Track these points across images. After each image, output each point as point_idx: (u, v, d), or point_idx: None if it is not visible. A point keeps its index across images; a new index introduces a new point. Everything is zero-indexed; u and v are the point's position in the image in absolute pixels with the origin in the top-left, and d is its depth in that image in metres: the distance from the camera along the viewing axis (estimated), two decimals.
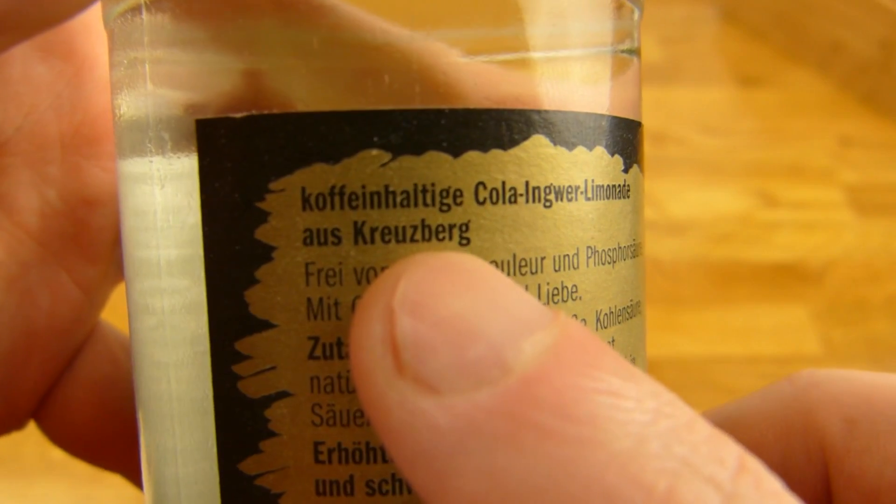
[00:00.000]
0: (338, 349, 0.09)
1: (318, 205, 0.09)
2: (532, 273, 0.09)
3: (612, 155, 0.10)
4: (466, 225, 0.09)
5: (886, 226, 0.69)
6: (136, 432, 0.12)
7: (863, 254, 0.67)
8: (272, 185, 0.09)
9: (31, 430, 0.17)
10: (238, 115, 0.09)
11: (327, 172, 0.09)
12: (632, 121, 0.11)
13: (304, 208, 0.09)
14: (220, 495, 0.10)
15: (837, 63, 0.77)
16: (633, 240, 0.11)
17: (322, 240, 0.09)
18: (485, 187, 0.09)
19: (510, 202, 0.09)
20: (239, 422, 0.10)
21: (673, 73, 0.79)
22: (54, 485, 0.52)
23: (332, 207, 0.09)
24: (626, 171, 0.10)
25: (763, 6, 0.82)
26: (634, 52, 0.12)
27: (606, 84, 0.11)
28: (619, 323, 0.10)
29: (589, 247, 0.10)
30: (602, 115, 0.10)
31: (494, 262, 0.09)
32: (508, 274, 0.09)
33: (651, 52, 0.82)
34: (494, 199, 0.09)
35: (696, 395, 0.59)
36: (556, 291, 0.09)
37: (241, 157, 0.09)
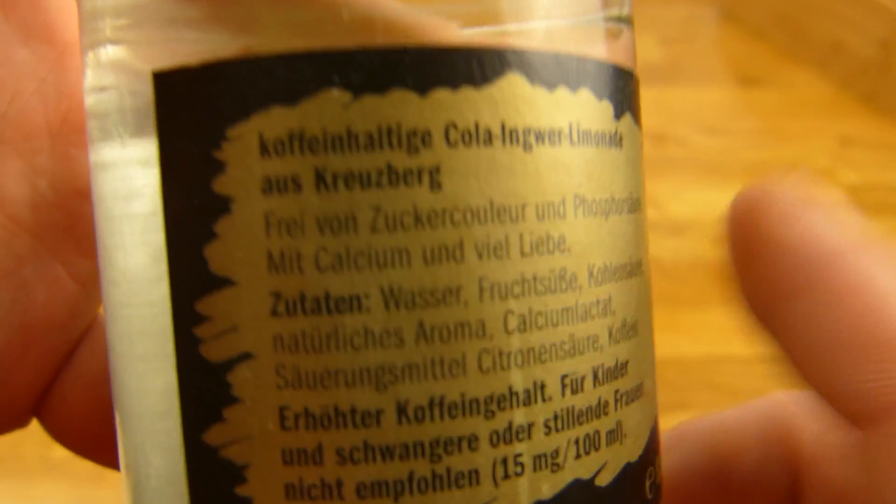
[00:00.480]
0: (301, 305, 0.08)
1: (276, 151, 0.09)
2: (512, 221, 0.09)
3: (600, 99, 0.09)
4: (437, 168, 0.08)
5: (886, 226, 0.69)
6: None
7: None
8: (228, 133, 0.09)
9: (32, 430, 0.17)
10: (194, 63, 0.09)
11: (285, 116, 0.08)
12: (622, 68, 0.10)
13: (262, 155, 0.09)
14: (186, 471, 0.09)
15: (837, 63, 0.77)
16: (630, 193, 0.10)
17: (282, 188, 0.09)
18: (456, 128, 0.08)
19: (485, 144, 0.09)
20: (201, 389, 0.09)
21: (673, 73, 0.79)
22: (54, 485, 0.52)
23: (292, 153, 0.08)
24: (617, 118, 0.10)
25: (763, 6, 0.82)
26: (624, 19, 0.11)
27: (594, 44, 0.10)
28: (616, 281, 0.10)
29: (576, 195, 0.09)
30: (586, 58, 0.09)
31: (469, 209, 0.09)
32: (485, 222, 0.09)
33: (651, 52, 0.81)
34: (467, 140, 0.09)
35: (696, 395, 0.58)
36: (540, 241, 0.09)
37: (198, 106, 0.09)
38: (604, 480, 0.09)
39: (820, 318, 0.11)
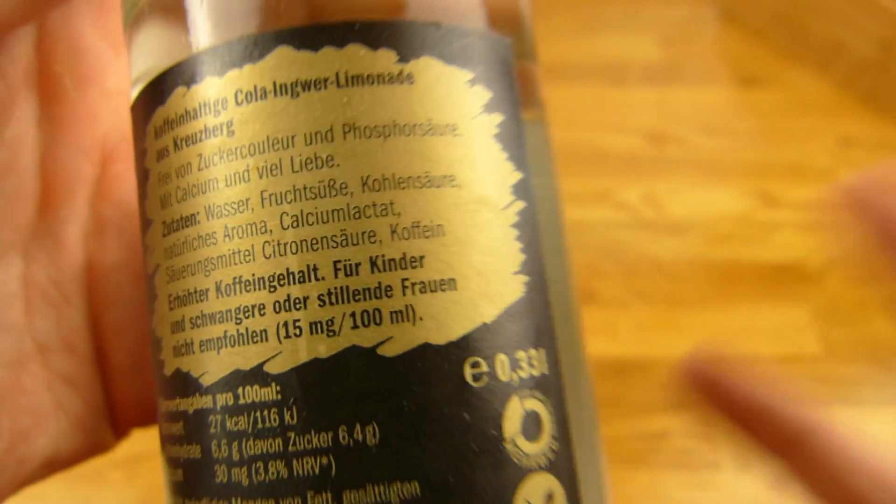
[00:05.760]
0: (171, 226, 0.13)
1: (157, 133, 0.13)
2: (284, 148, 0.11)
3: (376, 49, 0.12)
4: (231, 122, 0.12)
5: None
6: None
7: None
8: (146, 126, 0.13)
9: None
10: None
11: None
12: (416, 22, 0.12)
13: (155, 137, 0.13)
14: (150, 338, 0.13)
15: (837, 63, 0.77)
16: (429, 119, 0.12)
17: (161, 155, 0.13)
18: (242, 91, 0.12)
19: (261, 99, 0.11)
20: (147, 291, 0.14)
21: (673, 73, 0.79)
22: (54, 485, 0.51)
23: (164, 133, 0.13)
24: (405, 61, 0.12)
25: (763, 6, 0.82)
26: None
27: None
28: (403, 189, 0.11)
29: (346, 123, 0.11)
30: (352, 23, 0.12)
31: (253, 144, 0.11)
32: (263, 152, 0.11)
33: (651, 52, 0.81)
34: (251, 100, 0.12)
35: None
36: (308, 161, 0.11)
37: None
38: (389, 352, 0.11)
39: None
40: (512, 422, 0.11)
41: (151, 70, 0.13)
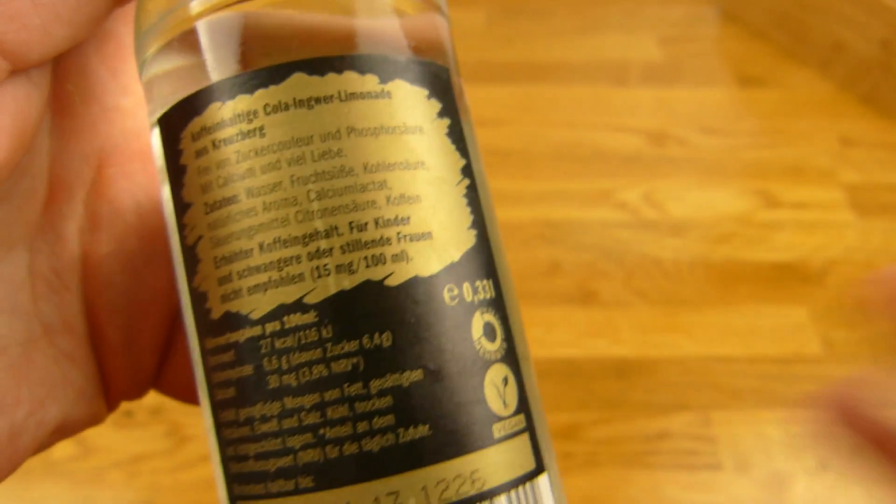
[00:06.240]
0: (214, 205, 0.16)
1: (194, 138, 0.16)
2: (306, 145, 0.15)
3: (364, 74, 0.15)
4: (262, 127, 0.15)
5: (886, 226, 0.69)
6: None
7: (863, 254, 0.67)
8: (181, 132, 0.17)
9: None
10: None
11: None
12: (387, 56, 0.16)
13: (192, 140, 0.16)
14: (190, 298, 0.16)
15: (838, 63, 0.77)
16: (404, 123, 0.16)
17: (200, 152, 0.16)
18: (269, 105, 0.15)
19: (285, 110, 0.15)
20: (187, 258, 0.16)
21: (673, 73, 0.79)
22: (54, 485, 0.52)
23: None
24: (384, 82, 0.16)
25: (763, 6, 0.82)
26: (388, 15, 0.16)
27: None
28: (392, 171, 0.15)
29: (348, 127, 0.15)
30: (345, 56, 0.15)
31: (281, 143, 0.15)
32: (289, 148, 0.15)
33: (651, 52, 0.81)
34: (277, 111, 0.15)
35: (696, 395, 0.58)
36: (324, 153, 0.15)
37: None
38: (392, 282, 0.15)
39: None
40: (477, 328, 0.15)
41: (183, 90, 0.16)
